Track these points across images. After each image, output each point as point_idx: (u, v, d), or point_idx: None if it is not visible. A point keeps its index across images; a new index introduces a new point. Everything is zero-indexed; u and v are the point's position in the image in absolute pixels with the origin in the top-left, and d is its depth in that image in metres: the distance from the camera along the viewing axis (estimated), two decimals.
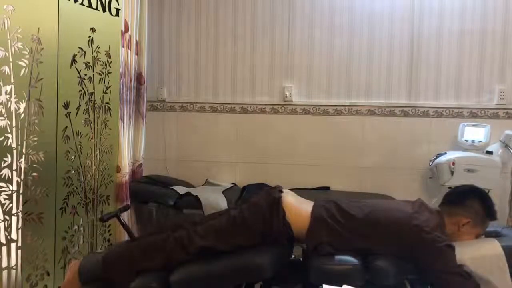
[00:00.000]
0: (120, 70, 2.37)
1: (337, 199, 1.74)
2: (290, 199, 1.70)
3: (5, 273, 1.77)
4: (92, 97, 2.19)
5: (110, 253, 1.69)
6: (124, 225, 1.82)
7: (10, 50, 1.73)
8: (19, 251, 1.82)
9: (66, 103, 2.03)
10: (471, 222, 1.61)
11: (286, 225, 1.62)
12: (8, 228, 1.77)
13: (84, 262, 1.70)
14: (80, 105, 2.11)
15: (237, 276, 1.56)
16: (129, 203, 2.44)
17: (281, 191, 1.73)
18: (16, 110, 1.77)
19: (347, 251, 1.57)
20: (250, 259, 1.54)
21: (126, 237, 2.04)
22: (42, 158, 1.90)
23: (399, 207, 1.66)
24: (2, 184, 1.73)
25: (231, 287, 1.62)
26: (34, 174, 1.86)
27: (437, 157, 2.48)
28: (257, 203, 1.68)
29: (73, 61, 2.06)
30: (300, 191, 1.90)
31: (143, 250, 1.65)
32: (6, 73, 1.72)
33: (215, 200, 2.42)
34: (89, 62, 2.15)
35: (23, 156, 1.81)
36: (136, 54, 2.63)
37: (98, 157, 2.24)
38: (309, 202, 1.74)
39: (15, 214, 1.79)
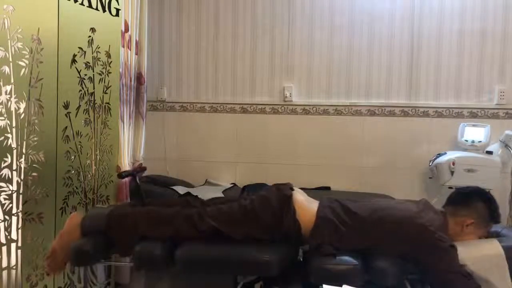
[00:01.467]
0: (120, 70, 2.36)
1: (341, 198, 1.74)
2: (300, 198, 1.71)
3: (5, 273, 1.77)
4: (92, 97, 2.19)
5: (116, 213, 1.70)
6: (137, 184, 1.82)
7: (10, 50, 1.73)
8: (19, 251, 1.82)
9: (66, 103, 2.03)
10: (475, 223, 1.61)
11: (297, 223, 1.63)
12: (8, 228, 1.77)
13: (89, 215, 1.72)
14: (80, 105, 2.11)
15: (243, 267, 1.57)
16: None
17: (291, 189, 1.73)
18: (16, 110, 1.77)
19: (348, 251, 1.57)
20: (259, 254, 1.55)
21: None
22: (42, 158, 1.90)
23: (404, 206, 1.66)
24: (2, 184, 1.73)
25: (231, 278, 1.63)
26: (34, 174, 1.86)
27: (437, 157, 2.48)
28: (267, 197, 1.68)
29: (73, 61, 2.06)
30: (302, 191, 1.90)
31: (151, 218, 1.66)
32: (6, 73, 1.72)
33: None
34: (89, 62, 2.15)
35: (23, 156, 1.81)
36: (136, 54, 2.62)
37: (98, 157, 2.24)
38: (315, 201, 1.75)
39: (15, 214, 1.79)
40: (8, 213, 1.76)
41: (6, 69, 1.72)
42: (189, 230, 1.61)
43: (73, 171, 2.09)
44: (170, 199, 1.85)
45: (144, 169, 2.18)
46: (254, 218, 1.63)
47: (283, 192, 1.69)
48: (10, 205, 1.77)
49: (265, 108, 2.86)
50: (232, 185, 2.83)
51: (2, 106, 1.72)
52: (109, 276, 2.37)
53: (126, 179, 2.44)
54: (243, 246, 1.59)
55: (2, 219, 1.74)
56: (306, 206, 1.68)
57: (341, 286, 1.28)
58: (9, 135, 1.75)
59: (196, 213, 1.64)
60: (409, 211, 1.60)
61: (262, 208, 1.64)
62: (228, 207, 1.67)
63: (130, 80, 2.56)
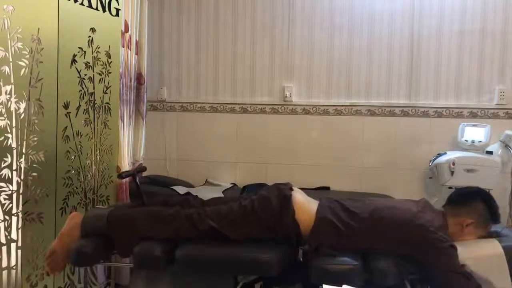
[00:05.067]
0: (120, 70, 2.36)
1: (341, 198, 1.74)
2: (300, 198, 1.71)
3: (5, 273, 1.77)
4: (92, 97, 2.19)
5: (115, 213, 1.70)
6: (137, 185, 1.82)
7: (10, 50, 1.73)
8: (19, 251, 1.81)
9: (66, 103, 2.03)
10: (475, 223, 1.61)
11: (296, 224, 1.63)
12: (8, 228, 1.76)
13: (88, 215, 1.72)
14: (80, 105, 2.11)
15: (243, 267, 1.57)
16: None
17: (291, 189, 1.73)
18: (16, 110, 1.77)
19: (348, 251, 1.57)
20: (259, 254, 1.55)
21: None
22: (42, 158, 1.90)
23: (404, 206, 1.66)
24: (2, 184, 1.73)
25: (231, 278, 1.63)
26: (34, 174, 1.86)
27: (437, 157, 2.48)
28: (267, 198, 1.68)
29: (73, 61, 2.06)
30: (301, 191, 1.90)
31: (150, 219, 1.66)
32: (6, 73, 1.72)
33: None
34: (89, 62, 2.15)
35: (23, 156, 1.81)
36: (136, 54, 2.63)
37: (98, 157, 2.24)
38: (315, 201, 1.74)
39: (15, 214, 1.79)
40: (8, 213, 1.76)
41: (6, 69, 1.72)
42: (189, 230, 1.61)
43: (73, 171, 2.09)
44: (170, 199, 1.85)
45: (144, 169, 2.18)
46: (254, 219, 1.63)
47: (283, 193, 1.68)
48: (10, 205, 1.77)
49: (265, 108, 2.86)
50: (232, 185, 2.83)
51: (2, 106, 1.72)
52: (109, 277, 2.37)
53: (126, 179, 2.44)
54: (242, 246, 1.59)
55: (2, 219, 1.74)
56: (306, 207, 1.68)
57: (341, 286, 1.28)
58: (9, 135, 1.75)
59: (196, 213, 1.64)
60: (408, 211, 1.60)
61: (262, 208, 1.64)
62: (228, 208, 1.67)
63: (130, 80, 2.55)
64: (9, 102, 1.75)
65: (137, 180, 1.82)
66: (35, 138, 1.86)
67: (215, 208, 1.67)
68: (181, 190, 2.56)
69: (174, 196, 2.45)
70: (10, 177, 1.76)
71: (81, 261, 1.66)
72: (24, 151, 1.81)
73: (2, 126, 1.72)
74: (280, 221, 1.62)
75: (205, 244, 1.61)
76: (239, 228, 1.61)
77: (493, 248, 1.54)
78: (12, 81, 1.75)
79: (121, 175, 1.85)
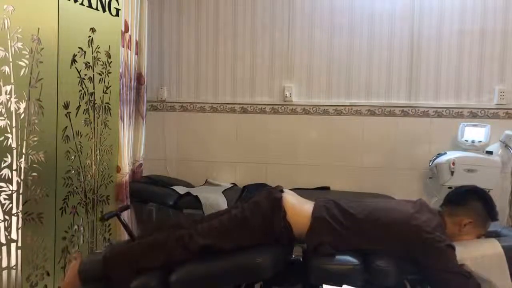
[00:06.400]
0: (120, 70, 2.37)
1: (337, 198, 1.73)
2: (291, 199, 1.70)
3: (5, 273, 1.77)
4: (92, 97, 2.19)
5: (111, 252, 1.69)
6: (124, 224, 1.83)
7: (10, 50, 1.73)
8: (19, 251, 1.82)
9: (66, 103, 2.03)
10: (473, 222, 1.61)
11: (287, 225, 1.62)
12: (8, 228, 1.77)
13: (84, 262, 1.70)
14: (80, 105, 2.11)
15: (237, 276, 1.56)
16: (129, 203, 2.44)
17: (282, 191, 1.73)
18: (16, 110, 1.77)
19: (347, 251, 1.57)
20: (250, 259, 1.54)
21: (126, 236, 2.04)
22: (42, 158, 1.90)
23: (400, 207, 1.66)
24: (2, 184, 1.73)
25: (231, 287, 1.62)
26: (34, 174, 1.86)
27: (437, 157, 2.48)
28: (258, 202, 1.68)
29: (73, 61, 2.06)
30: (300, 191, 1.90)
31: (143, 249, 1.65)
32: (6, 73, 1.72)
33: (215, 200, 2.42)
34: (89, 62, 2.15)
35: (23, 156, 1.81)
36: (136, 54, 2.63)
37: (98, 157, 2.25)
38: (310, 202, 1.74)
39: (15, 214, 1.79)
40: (8, 213, 1.76)
41: (6, 69, 1.72)
42: (180, 252, 1.60)
43: (73, 171, 2.09)
44: (161, 224, 1.84)
45: (128, 207, 2.19)
46: (246, 226, 1.62)
47: (273, 195, 1.68)
48: (10, 205, 1.77)
49: (265, 108, 2.86)
50: (232, 185, 2.83)
51: (2, 106, 1.72)
52: None
53: (126, 178, 2.44)
54: (234, 255, 1.57)
55: (2, 219, 1.74)
56: (298, 207, 1.68)
57: (341, 286, 1.28)
58: (9, 135, 1.75)
59: (187, 234, 1.63)
60: (405, 212, 1.60)
61: (252, 213, 1.64)
62: (218, 221, 1.67)
63: (130, 80, 2.56)
64: (9, 102, 1.75)
65: (122, 220, 1.82)
66: (35, 138, 1.86)
67: (206, 225, 1.67)
68: (181, 190, 2.56)
69: (170, 200, 2.44)
70: (10, 177, 1.76)
71: None
72: (24, 151, 1.81)
73: (2, 126, 1.72)
74: (271, 223, 1.62)
75: (196, 263, 1.58)
76: (229, 238, 1.60)
77: (493, 248, 1.54)
78: (12, 81, 1.75)
79: (103, 218, 1.84)
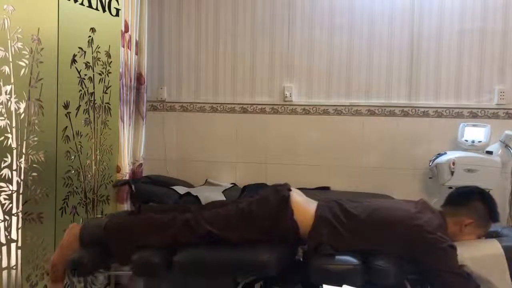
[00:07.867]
0: (120, 70, 2.37)
1: (339, 199, 1.74)
2: (298, 198, 1.70)
3: (5, 273, 1.77)
4: (92, 97, 2.19)
5: (112, 222, 1.69)
6: (133, 194, 1.82)
7: (10, 50, 1.73)
8: (19, 251, 1.82)
9: (66, 103, 2.03)
10: (474, 223, 1.61)
11: (294, 224, 1.62)
12: (8, 228, 1.77)
13: (86, 225, 1.71)
14: (80, 105, 2.11)
15: (241, 269, 1.57)
16: (129, 203, 2.44)
17: (289, 189, 1.73)
18: (16, 110, 1.77)
19: (347, 251, 1.57)
20: (258, 255, 1.54)
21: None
22: (42, 158, 1.90)
23: (402, 207, 1.66)
24: (2, 184, 1.73)
25: (231, 279, 1.62)
26: (34, 174, 1.86)
27: (437, 157, 2.48)
28: (265, 198, 1.68)
29: (73, 61, 2.06)
30: (300, 191, 1.90)
31: (147, 226, 1.65)
32: (6, 73, 1.72)
33: None
34: (89, 62, 2.15)
35: (23, 156, 1.81)
36: (136, 54, 2.63)
37: (98, 157, 2.25)
38: (314, 202, 1.74)
39: (15, 214, 1.79)
40: (8, 213, 1.76)
41: (6, 69, 1.72)
42: (186, 235, 1.60)
43: (73, 171, 2.09)
44: (167, 205, 1.84)
45: (141, 179, 2.19)
46: (252, 221, 1.62)
47: (281, 193, 1.68)
48: (10, 205, 1.77)
49: (265, 108, 2.86)
50: (232, 185, 2.83)
51: (2, 106, 1.72)
52: (109, 277, 2.37)
53: (126, 178, 2.44)
54: (240, 248, 1.58)
55: (2, 219, 1.74)
56: (304, 207, 1.68)
57: (341, 286, 1.28)
58: (9, 135, 1.75)
59: (193, 218, 1.63)
60: (406, 212, 1.60)
61: (259, 209, 1.64)
62: (225, 211, 1.66)
63: (130, 80, 2.56)
64: (9, 102, 1.75)
65: (133, 188, 1.82)
66: (35, 138, 1.86)
67: (213, 212, 1.67)
68: (181, 190, 2.55)
69: (170, 200, 2.44)
70: (10, 177, 1.76)
71: (80, 272, 1.65)
72: (24, 151, 1.81)
73: (2, 126, 1.72)
74: (278, 222, 1.62)
75: (202, 248, 1.59)
76: (236, 231, 1.60)
77: (493, 248, 1.54)
78: (12, 81, 1.75)
79: (116, 184, 1.85)
